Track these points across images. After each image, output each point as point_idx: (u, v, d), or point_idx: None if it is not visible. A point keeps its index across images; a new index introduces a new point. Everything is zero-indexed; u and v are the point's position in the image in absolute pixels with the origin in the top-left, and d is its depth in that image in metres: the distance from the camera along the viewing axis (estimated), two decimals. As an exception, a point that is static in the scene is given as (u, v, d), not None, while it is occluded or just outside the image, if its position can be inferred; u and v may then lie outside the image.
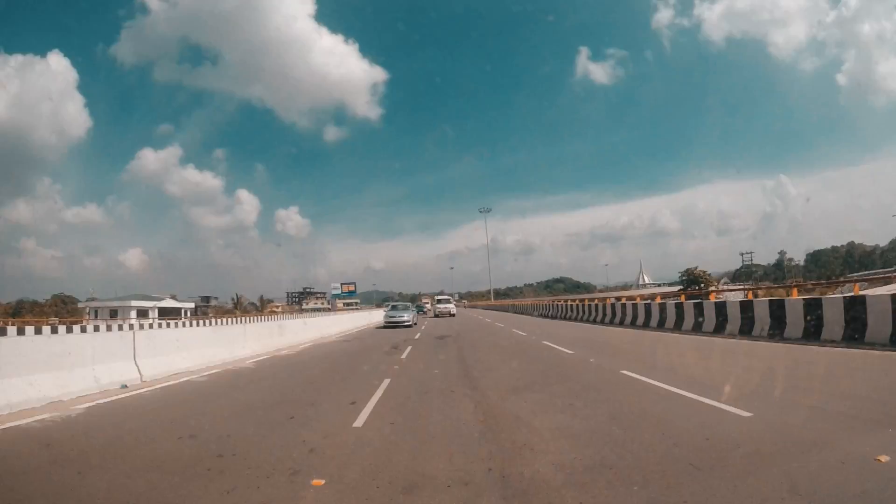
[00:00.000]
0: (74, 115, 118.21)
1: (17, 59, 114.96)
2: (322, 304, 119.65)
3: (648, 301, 18.36)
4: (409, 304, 37.06)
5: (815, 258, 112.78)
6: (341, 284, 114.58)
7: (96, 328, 14.75)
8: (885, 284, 23.63)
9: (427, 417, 5.07)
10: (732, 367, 7.64)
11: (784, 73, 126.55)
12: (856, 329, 8.81)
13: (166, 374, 8.41)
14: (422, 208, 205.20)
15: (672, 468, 3.25)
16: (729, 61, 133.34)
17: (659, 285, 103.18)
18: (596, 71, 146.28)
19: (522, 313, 40.00)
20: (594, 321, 21.67)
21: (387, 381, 7.31)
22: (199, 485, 3.28)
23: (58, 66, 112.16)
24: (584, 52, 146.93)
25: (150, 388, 7.46)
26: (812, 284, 36.59)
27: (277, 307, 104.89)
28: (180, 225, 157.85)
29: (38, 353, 6.60)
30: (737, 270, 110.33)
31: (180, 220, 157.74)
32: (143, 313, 53.64)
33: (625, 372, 7.28)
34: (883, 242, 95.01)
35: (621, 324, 18.61)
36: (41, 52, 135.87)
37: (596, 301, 24.72)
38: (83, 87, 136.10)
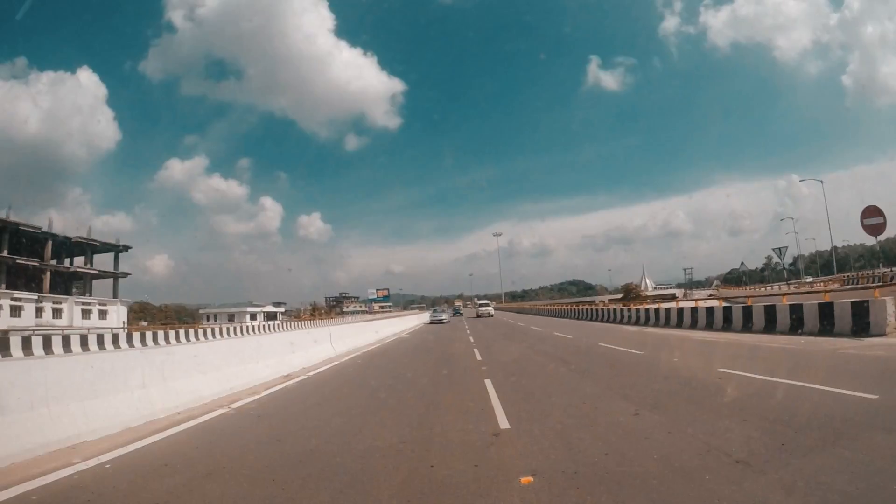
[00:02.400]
0: (104, 128, 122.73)
1: (48, 76, 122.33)
2: (359, 307, 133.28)
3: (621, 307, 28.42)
4: (445, 307, 52.44)
5: (805, 261, 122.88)
6: (376, 290, 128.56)
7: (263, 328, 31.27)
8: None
9: (485, 333, 21.20)
10: (583, 330, 23.51)
11: (790, 76, 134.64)
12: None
13: (386, 338, 24.67)
14: (440, 213, 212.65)
15: (540, 345, 19.33)
16: (735, 66, 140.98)
17: (666, 288, 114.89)
18: (606, 78, 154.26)
19: (527, 313, 53.19)
20: (589, 320, 30.08)
21: (469, 330, 23.39)
22: (435, 351, 19.51)
23: (87, 82, 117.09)
24: (594, 60, 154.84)
25: (386, 342, 23.67)
26: (743, 294, 51.80)
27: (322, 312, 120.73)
28: (206, 232, 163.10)
29: (350, 330, 22.87)
30: (727, 274, 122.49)
31: (206, 227, 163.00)
32: (253, 317, 71.21)
33: (556, 333, 23.23)
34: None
35: (618, 322, 25.62)
36: (71, 68, 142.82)
37: (579, 306, 38.93)
38: (112, 102, 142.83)
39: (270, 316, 73.20)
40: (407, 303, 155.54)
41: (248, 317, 70.04)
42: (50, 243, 47.47)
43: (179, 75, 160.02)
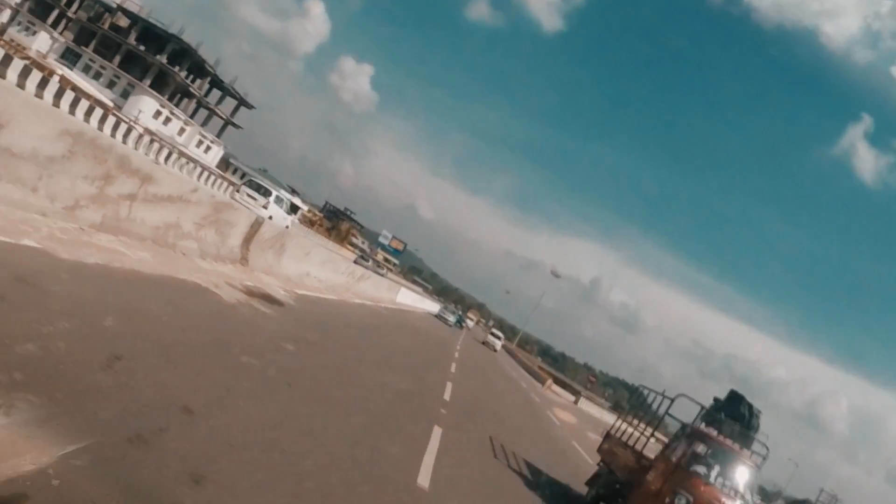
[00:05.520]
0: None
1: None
2: (359, 241, 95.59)
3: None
4: (454, 309, 57.99)
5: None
6: (391, 237, 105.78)
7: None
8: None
9: (469, 340, 31.54)
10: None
11: None
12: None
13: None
14: (529, 178, 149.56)
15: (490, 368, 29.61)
16: None
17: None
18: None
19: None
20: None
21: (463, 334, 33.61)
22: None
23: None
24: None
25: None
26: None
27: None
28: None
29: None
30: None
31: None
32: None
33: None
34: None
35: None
36: None
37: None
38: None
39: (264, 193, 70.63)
40: (409, 270, 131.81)
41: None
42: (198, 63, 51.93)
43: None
